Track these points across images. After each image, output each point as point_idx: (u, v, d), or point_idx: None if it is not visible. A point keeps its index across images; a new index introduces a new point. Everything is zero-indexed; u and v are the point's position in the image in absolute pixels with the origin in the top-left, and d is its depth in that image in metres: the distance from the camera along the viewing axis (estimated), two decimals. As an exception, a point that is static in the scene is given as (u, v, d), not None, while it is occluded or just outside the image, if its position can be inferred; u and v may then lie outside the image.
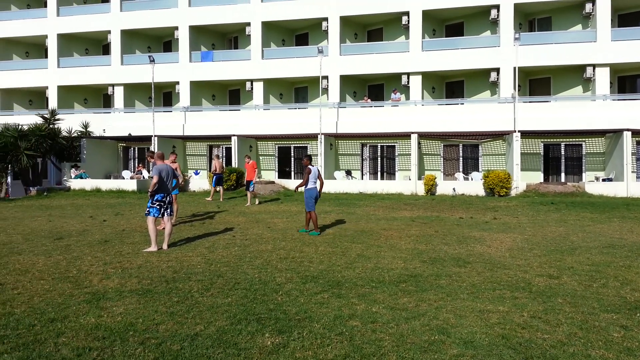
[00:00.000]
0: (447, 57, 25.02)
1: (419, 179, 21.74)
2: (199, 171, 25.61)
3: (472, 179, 21.99)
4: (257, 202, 17.34)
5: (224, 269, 7.48)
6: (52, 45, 31.47)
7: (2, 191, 21.77)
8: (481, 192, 20.50)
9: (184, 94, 29.19)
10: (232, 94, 31.46)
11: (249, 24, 28.17)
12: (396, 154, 23.99)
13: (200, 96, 30.02)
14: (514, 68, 22.58)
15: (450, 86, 27.52)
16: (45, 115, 24.81)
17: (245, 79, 28.56)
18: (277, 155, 25.75)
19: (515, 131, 20.99)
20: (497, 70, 24.37)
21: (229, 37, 31.59)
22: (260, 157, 25.98)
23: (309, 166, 10.95)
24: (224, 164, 25.91)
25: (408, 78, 25.82)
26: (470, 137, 22.52)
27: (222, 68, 28.71)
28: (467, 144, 23.05)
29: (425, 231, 11.19)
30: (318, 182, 11.04)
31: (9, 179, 22.16)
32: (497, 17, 24.48)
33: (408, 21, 25.64)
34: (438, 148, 23.43)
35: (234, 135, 24.19)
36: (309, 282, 6.67)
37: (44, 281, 6.75)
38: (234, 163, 23.82)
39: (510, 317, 5.37)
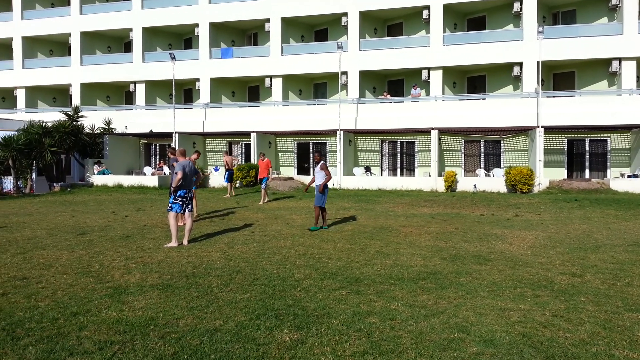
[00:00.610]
0: (469, 51, 24.70)
1: (439, 175, 21.55)
2: (218, 167, 25.81)
3: (493, 176, 21.71)
4: (261, 202, 16.73)
5: (243, 264, 7.52)
6: (75, 43, 32.02)
7: (27, 187, 22.25)
8: (503, 188, 20.22)
9: (204, 91, 29.42)
10: (252, 90, 31.59)
11: (268, 20, 28.23)
12: (416, 150, 23.81)
13: (220, 93, 30.22)
14: (538, 62, 22.18)
15: (472, 81, 27.17)
16: (69, 112, 25.25)
17: (264, 76, 28.64)
18: (296, 151, 25.79)
19: (538, 127, 20.64)
20: (520, 64, 23.97)
21: (248, 34, 31.71)
22: (279, 154, 26.05)
23: (323, 161, 11.05)
24: (239, 160, 26.10)
25: (428, 73, 25.58)
26: (492, 132, 22.21)
27: (242, 65, 28.84)
28: (488, 140, 22.75)
29: (445, 228, 11.08)
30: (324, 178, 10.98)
31: (33, 175, 22.63)
32: (520, 10, 24.06)
33: (429, 15, 25.38)
34: (459, 144, 23.18)
35: (253, 131, 24.30)
36: (328, 279, 6.67)
37: (67, 275, 6.88)
38: (253, 159, 23.94)
39: (532, 315, 5.28)
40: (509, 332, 4.82)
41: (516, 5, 24.13)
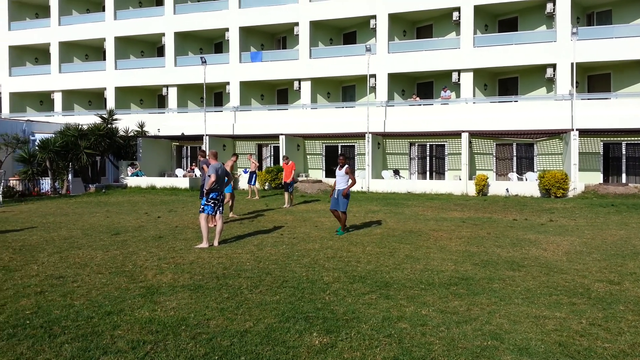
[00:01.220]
0: (500, 53, 24.29)
1: (470, 179, 21.22)
2: (247, 170, 26.01)
3: (526, 180, 21.25)
4: (286, 205, 16.33)
5: (272, 266, 7.55)
6: (109, 48, 32.86)
7: (64, 188, 22.91)
8: (536, 193, 19.77)
9: (234, 94, 29.77)
10: (280, 93, 31.80)
11: (297, 24, 28.37)
12: (446, 153, 23.51)
13: (250, 96, 30.52)
14: (572, 64, 21.62)
15: (504, 83, 26.70)
16: (104, 116, 25.91)
17: (293, 79, 28.80)
18: (324, 154, 25.80)
19: (573, 129, 20.11)
20: (554, 66, 23.42)
21: (277, 38, 31.95)
22: (308, 156, 26.12)
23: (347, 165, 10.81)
24: (269, 163, 26.27)
25: (459, 75, 25.25)
26: (525, 135, 21.75)
27: (271, 68, 29.07)
28: (521, 143, 22.28)
29: (477, 233, 10.89)
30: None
31: (69, 177, 23.29)
32: (554, 11, 23.53)
33: (459, 17, 25.07)
34: (490, 147, 22.78)
35: (281, 134, 24.43)
36: (357, 282, 6.63)
37: (102, 275, 7.04)
38: (283, 163, 24.01)
39: (568, 323, 5.13)
40: (544, 340, 4.69)
41: (549, 6, 23.61)
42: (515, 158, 22.46)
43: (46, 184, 22.73)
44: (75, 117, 30.68)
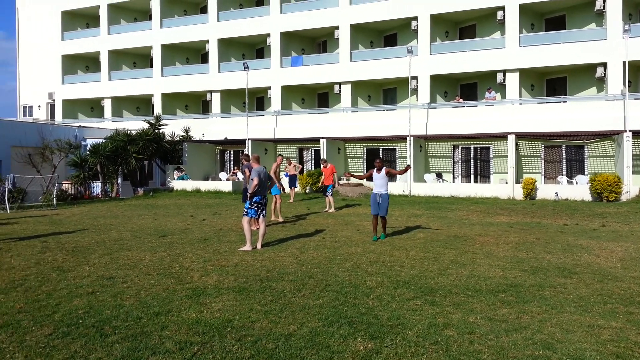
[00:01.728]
0: (548, 52, 23.53)
1: (517, 182, 20.61)
2: (287, 173, 26.20)
3: (576, 183, 20.45)
4: (328, 209, 16.07)
5: (315, 270, 7.55)
6: (156, 56, 33.90)
7: (113, 191, 23.72)
8: (587, 197, 19.00)
9: (275, 99, 30.10)
10: (321, 97, 31.91)
11: (337, 28, 28.43)
12: (491, 155, 22.94)
13: (291, 100, 30.77)
14: (624, 62, 20.70)
15: (551, 83, 25.85)
16: (151, 121, 26.71)
17: (333, 82, 28.85)
18: (365, 157, 25.68)
19: (625, 131, 19.21)
20: (604, 65, 22.49)
21: (318, 42, 32.11)
22: (349, 160, 26.07)
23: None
24: (309, 166, 26.36)
25: (504, 76, 24.62)
26: (574, 137, 20.94)
27: (311, 72, 29.23)
28: (570, 145, 21.47)
29: (525, 238, 10.56)
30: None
31: (119, 180, 24.09)
32: (603, 8, 22.60)
33: (504, 16, 24.47)
34: (538, 149, 22.07)
35: (322, 137, 24.48)
36: (401, 288, 6.54)
37: (150, 276, 7.23)
38: (322, 166, 24.07)
39: (625, 334, 4.88)
40: (600, 351, 4.48)
41: (598, 3, 22.68)
42: (564, 161, 21.66)
43: (97, 187, 23.60)
44: (124, 122, 31.76)
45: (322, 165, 17.52)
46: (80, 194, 22.36)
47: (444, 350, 4.49)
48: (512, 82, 24.43)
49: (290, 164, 20.28)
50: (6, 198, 17.02)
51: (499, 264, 7.98)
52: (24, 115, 38.87)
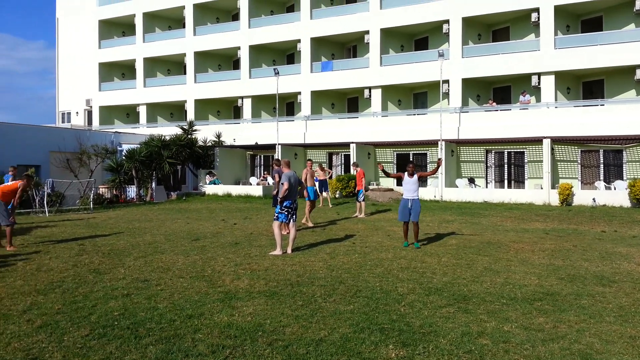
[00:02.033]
0: (584, 54, 22.90)
1: (553, 187, 20.09)
2: (317, 178, 26.24)
3: (615, 189, 19.78)
4: (358, 214, 15.91)
5: (345, 275, 7.52)
6: (189, 63, 34.57)
7: (148, 195, 24.23)
8: (626, 203, 18.36)
9: (305, 104, 30.24)
10: (351, 101, 31.88)
11: (367, 32, 28.37)
12: (525, 160, 22.44)
13: (320, 105, 30.86)
14: (667, 63, 19.95)
15: (588, 86, 25.13)
16: (184, 127, 27.21)
17: (363, 87, 28.78)
18: (395, 162, 25.50)
19: (668, 134, 18.51)
20: (645, 66, 21.73)
21: (347, 47, 32.13)
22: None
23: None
24: (339, 171, 26.33)
25: (539, 78, 24.08)
26: (613, 141, 20.28)
27: (341, 77, 29.25)
28: (608, 149, 20.81)
29: (562, 245, 10.27)
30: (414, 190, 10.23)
31: (153, 184, 24.60)
32: (645, 8, 21.87)
33: (538, 18, 23.95)
34: (574, 154, 21.47)
35: (352, 142, 24.43)
36: (433, 295, 6.44)
37: (183, 279, 7.33)
38: (353, 170, 24.01)
39: (671, 347, 4.68)
40: (643, 364, 4.30)
41: (638, 3, 21.95)
42: (602, 165, 21.00)
43: (132, 191, 24.16)
44: (159, 128, 32.44)
45: (353, 169, 17.36)
46: (116, 198, 22.93)
47: (478, 359, 4.40)
48: (548, 85, 23.87)
49: (322, 169, 20.26)
50: (45, 202, 17.59)
51: (535, 272, 7.78)
52: (63, 122, 40.16)
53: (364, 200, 16.28)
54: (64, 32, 41.07)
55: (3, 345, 4.70)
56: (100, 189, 22.66)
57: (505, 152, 23.01)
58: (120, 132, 30.60)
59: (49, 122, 41.31)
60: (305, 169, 14.32)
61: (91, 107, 38.73)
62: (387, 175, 11.05)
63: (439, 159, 10.58)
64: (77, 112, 40.22)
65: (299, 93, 30.54)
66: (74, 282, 7.19)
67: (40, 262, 8.62)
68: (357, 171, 16.87)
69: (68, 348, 4.65)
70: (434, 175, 23.05)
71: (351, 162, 23.66)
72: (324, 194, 19.79)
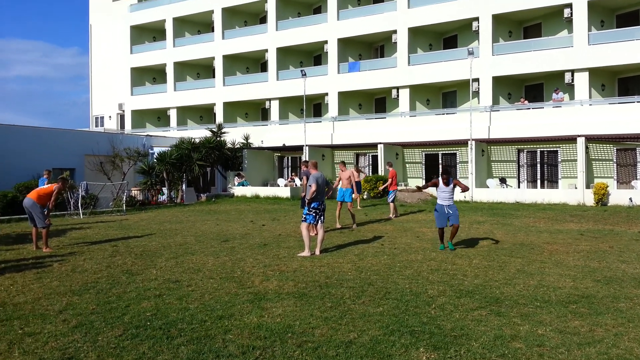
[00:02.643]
0: (620, 50, 22.21)
1: (587, 187, 19.54)
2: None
3: (653, 188, 19.13)
4: (391, 216, 15.78)
5: (374, 277, 7.47)
6: (218, 66, 35.03)
7: (178, 197, 24.63)
8: (666, 202, 17.71)
9: (332, 105, 30.25)
10: (378, 102, 31.74)
11: (395, 32, 28.20)
12: (559, 159, 21.90)
13: (348, 106, 30.82)
14: None
15: (624, 82, 24.37)
16: (213, 129, 27.56)
17: (391, 87, 28.62)
18: (424, 162, 25.24)
19: None
20: (685, 61, 20.94)
21: (375, 46, 32.00)
22: (407, 165, 25.72)
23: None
24: (368, 172, 26.19)
25: (572, 76, 23.48)
26: (651, 139, 19.62)
27: (369, 77, 29.15)
28: (646, 147, 20.13)
29: (597, 246, 9.96)
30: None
31: (183, 186, 25.00)
32: (685, -1, 21.07)
33: (571, 13, 23.37)
34: (610, 153, 20.84)
35: (380, 143, 24.31)
36: (464, 297, 6.33)
37: (213, 280, 7.41)
38: (380, 171, 23.92)
39: None
40: (687, 371, 4.13)
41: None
42: (639, 164, 20.33)
43: (163, 193, 24.60)
44: (188, 131, 32.97)
45: (387, 167, 16.87)
46: (147, 200, 23.38)
47: (512, 364, 4.30)
48: (581, 82, 23.25)
49: (357, 171, 19.93)
50: (80, 204, 18.06)
51: (570, 274, 7.57)
52: (96, 126, 41.23)
53: (393, 201, 16.10)
54: (97, 38, 42.18)
55: (41, 345, 4.83)
56: (133, 191, 23.14)
57: (538, 151, 22.51)
58: (152, 136, 31.21)
59: (83, 126, 42.45)
60: (351, 170, 14.42)
61: (123, 111, 39.65)
62: (423, 188, 10.75)
63: (465, 188, 10.02)
64: (110, 116, 41.24)
65: (326, 94, 30.56)
66: (107, 282, 7.35)
67: (75, 263, 8.85)
68: (389, 171, 16.52)
69: (102, 348, 4.75)
70: (464, 176, 22.73)
71: (384, 162, 23.53)
72: (358, 195, 19.36)
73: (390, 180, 16.33)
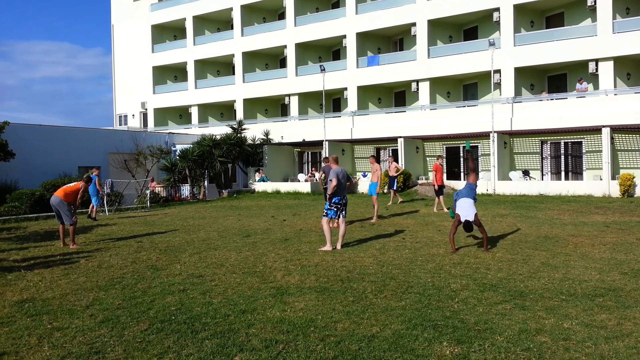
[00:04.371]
0: (647, 37, 21.59)
1: (613, 178, 19.12)
2: (366, 173, 26.13)
3: (683, 178, 18.61)
4: (438, 209, 15.53)
5: (396, 271, 7.44)
6: (238, 63, 35.21)
7: (200, 193, 24.91)
8: (696, 193, 17.22)
9: (352, 99, 30.14)
10: (398, 95, 31.51)
11: (414, 24, 27.92)
12: (583, 151, 21.46)
13: (367, 100, 30.67)
14: None
15: (651, 71, 23.70)
16: (234, 126, 27.76)
17: (410, 80, 28.38)
18: (445, 155, 25.00)
19: None
20: None
21: (394, 40, 31.74)
22: (427, 158, 25.51)
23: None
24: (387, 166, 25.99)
25: (596, 65, 22.94)
26: (680, 128, 19.08)
27: (388, 71, 28.95)
28: (675, 136, 19.58)
29: (624, 238, 9.75)
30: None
31: (205, 183, 25.27)
32: None
33: (594, 2, 22.79)
34: (636, 143, 20.33)
35: (399, 137, 24.15)
36: (488, 291, 6.27)
37: (236, 275, 7.49)
38: (401, 165, 23.77)
39: None
40: None
41: None
42: (669, 154, 19.79)
43: (186, 189, 24.91)
44: (209, 128, 33.25)
45: (438, 161, 16.16)
46: (170, 196, 23.70)
47: (537, 357, 4.25)
48: (606, 71, 22.70)
49: (395, 165, 19.49)
50: (105, 201, 18.41)
51: (596, 267, 7.43)
52: (120, 124, 41.89)
53: (442, 195, 15.72)
54: (119, 38, 42.77)
55: (69, 339, 4.95)
56: (156, 188, 23.47)
57: (562, 143, 22.09)
58: (174, 133, 31.59)
59: (107, 125, 43.21)
60: (378, 165, 14.49)
61: (146, 109, 40.18)
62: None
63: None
64: (133, 115, 41.84)
65: (345, 89, 30.47)
66: (133, 278, 7.49)
67: (101, 259, 9.03)
68: (435, 165, 16.05)
69: (128, 342, 4.84)
70: (486, 169, 22.44)
71: (401, 157, 23.41)
72: (393, 190, 19.02)
73: (439, 173, 15.80)
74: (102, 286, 7.02)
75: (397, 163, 19.43)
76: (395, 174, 18.60)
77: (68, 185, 11.21)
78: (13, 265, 8.67)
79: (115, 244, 10.78)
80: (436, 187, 15.83)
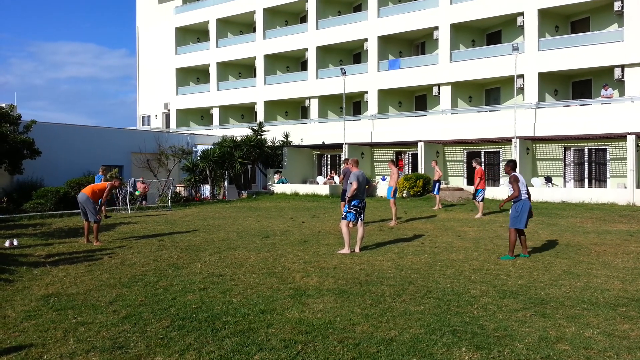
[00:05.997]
0: (676, 42, 21.14)
1: (638, 187, 18.73)
2: (385, 177, 26.06)
3: None
4: (479, 215, 15.23)
5: (415, 275, 7.44)
6: (259, 66, 35.49)
7: (220, 194, 25.14)
8: None
9: (372, 102, 30.11)
10: (419, 99, 31.38)
11: (436, 28, 27.80)
12: (608, 158, 21.08)
13: (387, 103, 30.62)
14: None
15: (680, 77, 23.16)
16: (254, 128, 27.97)
17: (431, 84, 28.24)
18: (465, 160, 24.80)
19: None
20: None
21: (416, 44, 31.64)
22: (448, 163, 25.34)
23: (514, 173, 9.03)
24: (407, 170, 25.95)
25: (622, 71, 22.53)
26: None
27: (409, 74, 28.86)
28: None
29: (649, 248, 9.57)
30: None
31: (225, 183, 25.49)
32: None
33: (621, 7, 22.42)
34: (663, 151, 19.88)
35: (420, 141, 24.04)
36: (508, 298, 6.23)
37: (255, 275, 7.57)
38: (420, 169, 23.67)
39: None
40: None
41: None
42: (697, 163, 19.31)
43: (206, 190, 25.18)
44: (230, 129, 33.53)
45: (475, 164, 15.85)
46: (191, 196, 23.97)
47: (557, 366, 4.22)
48: (632, 77, 22.27)
49: (434, 167, 19.09)
50: (128, 200, 18.72)
51: (618, 276, 7.31)
52: (143, 125, 42.53)
53: (482, 200, 15.44)
54: (144, 40, 43.46)
55: (93, 334, 5.08)
56: (178, 188, 23.77)
57: (586, 149, 21.74)
58: (196, 134, 31.95)
59: (131, 125, 43.89)
60: (396, 168, 14.43)
61: (169, 110, 40.74)
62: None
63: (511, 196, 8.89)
64: (156, 116, 42.45)
65: (366, 92, 30.46)
66: (154, 275, 7.62)
67: (124, 257, 9.21)
68: (476, 169, 15.72)
69: (151, 338, 4.94)
70: (506, 175, 22.16)
71: (421, 160, 23.27)
72: (437, 195, 18.77)
73: (478, 179, 15.47)
74: (124, 283, 7.16)
75: (438, 167, 19.23)
76: (437, 179, 18.49)
77: (97, 183, 11.46)
78: (39, 261, 8.90)
79: (138, 242, 10.97)
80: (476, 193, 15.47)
